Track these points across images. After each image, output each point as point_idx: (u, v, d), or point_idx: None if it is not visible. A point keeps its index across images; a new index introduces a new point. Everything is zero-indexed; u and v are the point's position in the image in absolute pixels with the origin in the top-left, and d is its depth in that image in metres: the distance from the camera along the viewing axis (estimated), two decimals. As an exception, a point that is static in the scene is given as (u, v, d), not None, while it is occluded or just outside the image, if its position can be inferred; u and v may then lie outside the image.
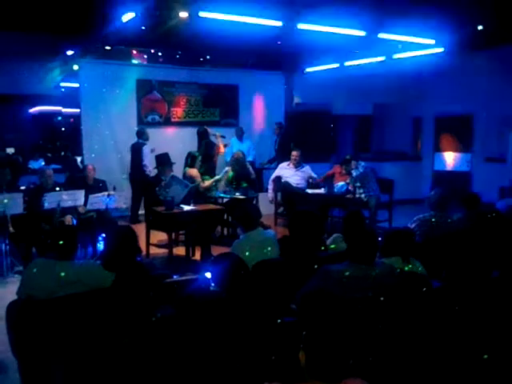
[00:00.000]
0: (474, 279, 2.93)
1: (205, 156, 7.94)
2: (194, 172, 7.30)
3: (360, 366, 2.01)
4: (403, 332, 2.58)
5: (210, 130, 9.02)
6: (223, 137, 9.05)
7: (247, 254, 3.81)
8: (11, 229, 6.01)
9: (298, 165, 8.37)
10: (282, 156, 9.16)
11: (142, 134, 8.74)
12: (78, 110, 9.40)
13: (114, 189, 6.75)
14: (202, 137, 8.82)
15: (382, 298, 2.84)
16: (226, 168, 7.86)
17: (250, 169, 8.18)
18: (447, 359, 2.47)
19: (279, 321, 2.61)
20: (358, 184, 7.69)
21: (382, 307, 2.78)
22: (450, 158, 11.60)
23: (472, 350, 2.50)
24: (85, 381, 2.53)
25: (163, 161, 6.75)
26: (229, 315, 2.69)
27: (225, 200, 7.52)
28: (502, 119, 10.26)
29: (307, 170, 8.46)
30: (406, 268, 3.36)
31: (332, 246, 4.37)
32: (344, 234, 4.35)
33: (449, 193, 5.10)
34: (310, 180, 8.42)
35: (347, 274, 3.12)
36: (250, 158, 9.61)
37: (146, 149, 8.57)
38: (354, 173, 7.67)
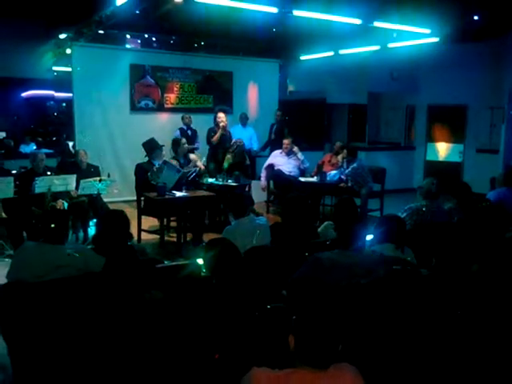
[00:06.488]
0: (463, 267, 2.95)
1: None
2: (193, 156, 7.48)
3: (349, 352, 2.03)
4: (392, 318, 2.60)
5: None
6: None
7: (238, 240, 3.81)
8: (3, 214, 5.96)
9: (289, 152, 8.37)
10: (276, 143, 9.14)
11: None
12: (71, 95, 9.30)
13: (109, 176, 6.70)
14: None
15: (371, 285, 2.85)
16: (227, 156, 7.89)
17: (246, 157, 8.25)
18: (435, 346, 2.50)
19: (269, 306, 2.63)
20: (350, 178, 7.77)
21: (371, 294, 2.80)
22: (442, 148, 11.64)
23: (460, 336, 2.53)
24: (74, 364, 2.53)
25: (152, 146, 6.71)
26: (219, 301, 2.69)
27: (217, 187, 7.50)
28: (494, 111, 10.30)
29: (297, 152, 8.41)
30: (397, 255, 3.38)
31: (321, 230, 4.39)
32: (334, 221, 4.37)
33: (440, 183, 5.12)
34: (301, 167, 8.39)
35: (337, 261, 3.14)
36: (254, 147, 9.59)
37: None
38: (348, 172, 7.74)
